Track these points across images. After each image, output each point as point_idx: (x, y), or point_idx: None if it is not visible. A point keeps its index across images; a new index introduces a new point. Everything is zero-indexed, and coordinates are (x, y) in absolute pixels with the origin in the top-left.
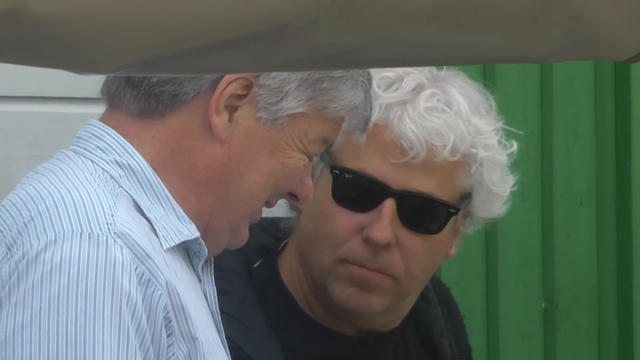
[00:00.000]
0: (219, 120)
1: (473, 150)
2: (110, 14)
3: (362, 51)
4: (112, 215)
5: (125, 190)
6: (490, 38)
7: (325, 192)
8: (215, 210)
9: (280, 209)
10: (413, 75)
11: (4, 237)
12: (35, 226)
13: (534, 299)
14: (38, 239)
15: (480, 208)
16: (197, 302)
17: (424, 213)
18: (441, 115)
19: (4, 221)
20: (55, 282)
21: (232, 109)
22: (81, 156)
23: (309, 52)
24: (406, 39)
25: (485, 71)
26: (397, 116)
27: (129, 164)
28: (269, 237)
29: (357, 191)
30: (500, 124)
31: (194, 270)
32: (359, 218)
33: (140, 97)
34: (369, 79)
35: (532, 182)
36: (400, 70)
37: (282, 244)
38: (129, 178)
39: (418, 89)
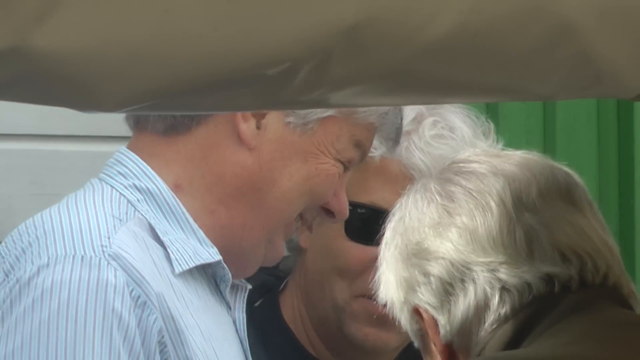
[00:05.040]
0: (247, 127)
1: None
2: (113, 53)
3: (369, 88)
4: (109, 238)
5: (142, 214)
6: (496, 75)
7: (334, 228)
8: (249, 221)
9: None
10: (410, 105)
11: (3, 262)
12: (32, 251)
13: None
14: (32, 263)
15: None
16: (213, 328)
17: None
18: (448, 142)
19: (7, 246)
20: (46, 306)
21: (259, 116)
22: (103, 182)
23: (317, 89)
24: (413, 76)
25: (489, 108)
26: (404, 147)
27: (147, 188)
28: (269, 276)
29: (370, 225)
30: (500, 146)
31: (223, 296)
32: (372, 251)
33: (165, 115)
34: None
35: None
36: None
37: (283, 283)
38: (148, 202)
39: (419, 118)
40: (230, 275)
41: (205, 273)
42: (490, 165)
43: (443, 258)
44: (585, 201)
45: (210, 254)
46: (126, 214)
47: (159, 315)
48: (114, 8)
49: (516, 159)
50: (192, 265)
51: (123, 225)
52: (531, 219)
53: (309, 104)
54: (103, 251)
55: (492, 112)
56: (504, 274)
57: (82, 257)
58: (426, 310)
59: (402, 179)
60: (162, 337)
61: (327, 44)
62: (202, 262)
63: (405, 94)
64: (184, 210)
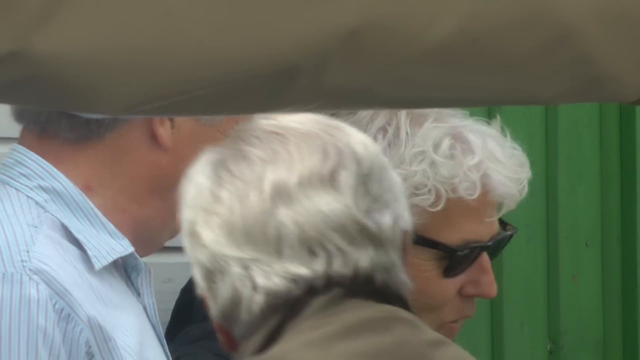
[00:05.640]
0: (164, 130)
1: None
2: (115, 56)
3: (370, 92)
4: (27, 251)
5: (53, 214)
6: (497, 79)
7: (420, 268)
8: (162, 212)
9: None
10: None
11: None
12: None
13: (539, 341)
14: None
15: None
16: (134, 322)
17: (503, 248)
18: (514, 160)
19: None
20: None
21: None
22: (6, 185)
23: (317, 94)
24: (413, 81)
25: (490, 113)
26: (485, 175)
27: (53, 187)
28: None
29: (465, 260)
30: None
31: (133, 284)
32: (458, 280)
33: (78, 125)
34: None
35: (537, 224)
36: (442, 135)
37: None
38: (55, 201)
39: (488, 144)
40: (143, 264)
41: (116, 264)
42: (264, 148)
43: (206, 247)
44: (354, 182)
45: (124, 246)
46: (38, 217)
47: (84, 326)
48: (116, 11)
49: (294, 139)
50: (110, 260)
51: (39, 233)
52: (284, 214)
53: (309, 108)
54: (23, 266)
55: (493, 117)
56: (254, 271)
57: (3, 274)
58: (202, 289)
59: (491, 208)
60: (90, 347)
61: (327, 49)
62: (118, 255)
63: (405, 98)
64: (92, 205)
